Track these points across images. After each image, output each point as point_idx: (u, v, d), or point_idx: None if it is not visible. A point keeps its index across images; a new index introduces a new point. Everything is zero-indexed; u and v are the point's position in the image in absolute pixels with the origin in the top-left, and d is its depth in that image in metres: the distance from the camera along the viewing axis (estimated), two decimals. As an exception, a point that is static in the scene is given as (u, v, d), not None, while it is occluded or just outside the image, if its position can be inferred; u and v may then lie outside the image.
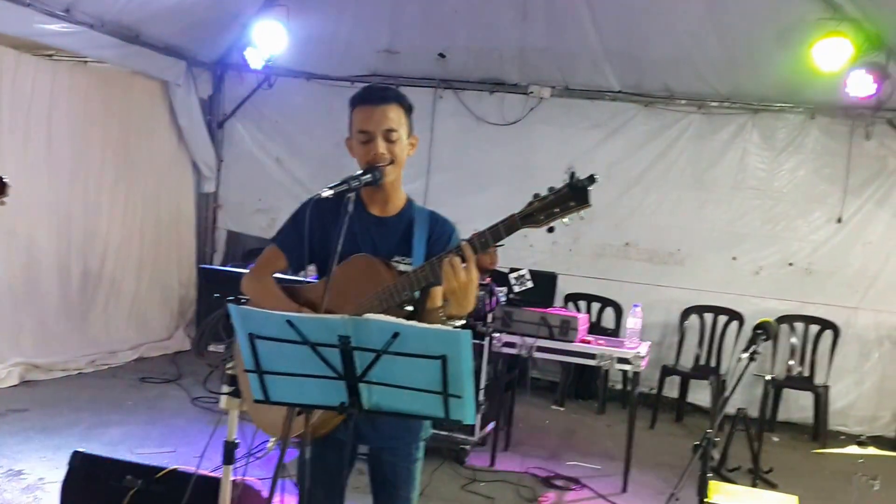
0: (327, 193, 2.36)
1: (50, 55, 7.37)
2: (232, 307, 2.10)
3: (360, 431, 2.64)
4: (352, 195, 2.41)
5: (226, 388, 3.04)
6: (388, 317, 2.04)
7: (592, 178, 2.26)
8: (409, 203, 2.74)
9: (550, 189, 2.29)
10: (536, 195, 2.31)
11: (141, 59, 7.67)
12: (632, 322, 5.73)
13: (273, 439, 2.73)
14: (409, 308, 2.51)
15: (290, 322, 2.05)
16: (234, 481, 3.18)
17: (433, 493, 4.86)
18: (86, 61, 7.68)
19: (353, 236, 2.55)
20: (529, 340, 5.60)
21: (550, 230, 2.32)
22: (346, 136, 2.68)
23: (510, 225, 2.30)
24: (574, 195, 2.25)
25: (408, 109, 2.67)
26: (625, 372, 6.78)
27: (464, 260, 2.31)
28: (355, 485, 2.85)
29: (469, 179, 8.30)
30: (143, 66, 7.85)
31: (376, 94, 2.62)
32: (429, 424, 2.76)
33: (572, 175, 2.28)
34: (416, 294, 2.50)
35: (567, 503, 5.16)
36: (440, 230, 2.69)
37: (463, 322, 2.39)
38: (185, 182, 8.95)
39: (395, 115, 2.60)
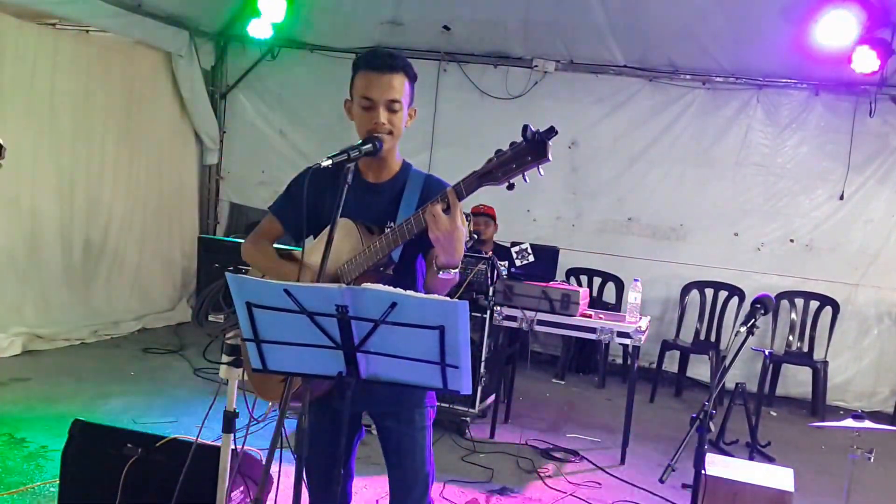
0: (327, 163, 2.34)
1: (52, 24, 7.33)
2: (230, 276, 2.09)
3: (354, 397, 2.63)
4: (351, 165, 2.38)
5: (225, 358, 3.05)
6: (387, 287, 2.04)
7: (552, 130, 2.15)
8: (405, 168, 2.70)
9: (512, 144, 2.22)
10: (498, 151, 2.24)
11: (143, 29, 7.63)
12: (632, 297, 5.74)
13: (270, 404, 2.74)
14: (390, 273, 2.50)
15: (287, 291, 2.05)
16: (233, 450, 3.19)
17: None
18: (88, 30, 7.63)
19: (346, 204, 2.48)
20: (530, 314, 5.61)
21: (510, 187, 2.24)
22: (346, 98, 2.63)
23: (469, 183, 2.27)
24: (531, 149, 2.17)
25: (412, 79, 2.60)
26: (625, 346, 6.80)
27: (447, 209, 2.27)
28: (364, 454, 2.83)
29: (472, 154, 8.09)
30: (146, 36, 7.81)
31: (384, 60, 2.53)
32: (431, 393, 2.69)
33: (526, 128, 2.17)
34: (396, 257, 2.49)
35: (566, 474, 5.19)
36: (434, 192, 2.58)
37: (455, 272, 2.36)
38: (188, 153, 8.94)
39: (399, 84, 2.53)
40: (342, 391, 2.19)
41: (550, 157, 2.15)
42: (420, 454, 2.69)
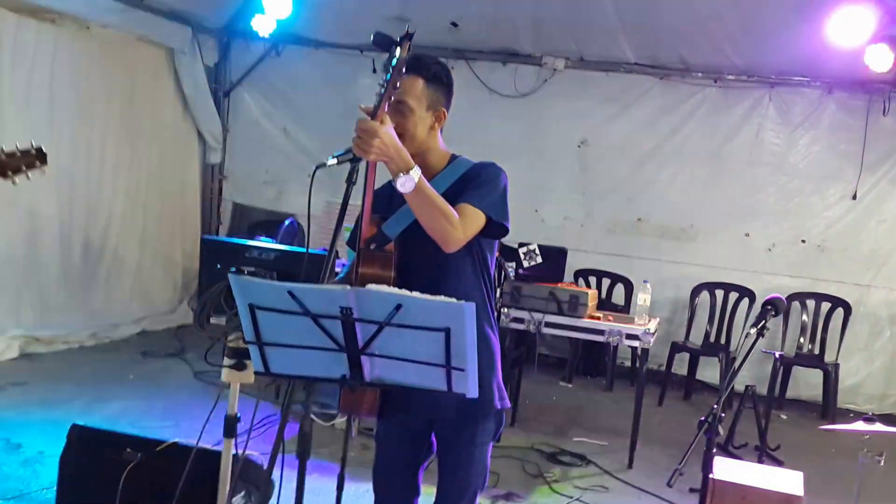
0: (332, 162, 2.32)
1: (52, 20, 7.24)
2: (233, 277, 2.07)
3: (418, 405, 2.51)
4: (357, 165, 2.33)
5: (227, 361, 3.00)
6: (392, 288, 2.02)
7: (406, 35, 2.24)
8: (451, 164, 2.64)
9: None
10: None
11: (145, 25, 7.56)
12: (641, 298, 5.67)
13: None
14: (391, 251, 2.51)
15: (291, 293, 2.02)
16: (234, 455, 3.14)
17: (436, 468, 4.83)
18: (88, 26, 7.55)
19: (395, 208, 2.56)
20: (538, 316, 5.54)
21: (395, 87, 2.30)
22: None
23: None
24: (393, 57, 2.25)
25: (430, 80, 2.53)
26: (634, 348, 6.73)
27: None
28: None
29: (480, 153, 7.99)
30: (148, 32, 7.74)
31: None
32: (501, 391, 2.62)
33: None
34: (392, 235, 2.53)
35: (572, 479, 5.11)
36: (469, 173, 2.59)
37: (406, 178, 2.29)
38: (190, 152, 8.84)
39: (409, 86, 2.48)
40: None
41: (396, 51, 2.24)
42: (474, 468, 2.63)
